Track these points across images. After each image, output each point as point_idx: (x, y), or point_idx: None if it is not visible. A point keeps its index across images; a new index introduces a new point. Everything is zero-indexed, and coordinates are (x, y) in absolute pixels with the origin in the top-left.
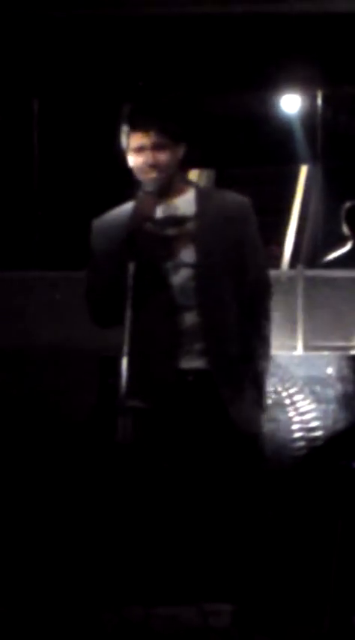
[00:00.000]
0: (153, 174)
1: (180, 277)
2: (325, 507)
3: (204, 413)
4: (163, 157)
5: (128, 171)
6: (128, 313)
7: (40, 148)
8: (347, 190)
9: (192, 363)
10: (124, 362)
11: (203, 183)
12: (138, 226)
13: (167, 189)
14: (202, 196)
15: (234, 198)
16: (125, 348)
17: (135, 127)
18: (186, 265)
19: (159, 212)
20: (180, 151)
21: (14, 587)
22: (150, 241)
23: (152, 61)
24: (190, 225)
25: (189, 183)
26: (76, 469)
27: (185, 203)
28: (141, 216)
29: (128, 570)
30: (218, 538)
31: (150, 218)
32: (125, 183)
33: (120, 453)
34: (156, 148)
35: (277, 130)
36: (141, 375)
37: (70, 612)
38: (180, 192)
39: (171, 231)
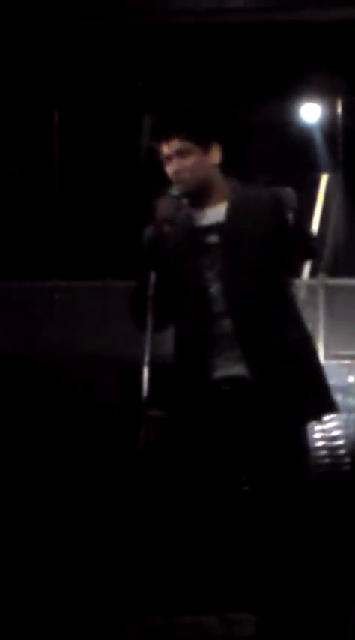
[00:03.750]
0: (180, 181)
1: (217, 286)
2: (348, 516)
3: (243, 420)
4: (189, 162)
5: (149, 181)
6: (148, 322)
7: (61, 159)
8: None
9: (227, 370)
10: (145, 371)
11: None
12: (159, 231)
13: (206, 195)
14: (235, 201)
15: (269, 192)
16: (146, 358)
17: (158, 139)
18: (221, 273)
19: (203, 220)
20: (212, 156)
21: (36, 596)
22: (195, 250)
23: (175, 70)
24: (224, 234)
25: (229, 189)
26: (99, 476)
27: (221, 211)
28: (160, 221)
29: (151, 579)
30: (242, 547)
31: (171, 222)
32: (146, 193)
33: (142, 461)
34: (180, 154)
35: (298, 138)
36: (177, 384)
37: (92, 621)
38: (222, 198)
39: (213, 239)
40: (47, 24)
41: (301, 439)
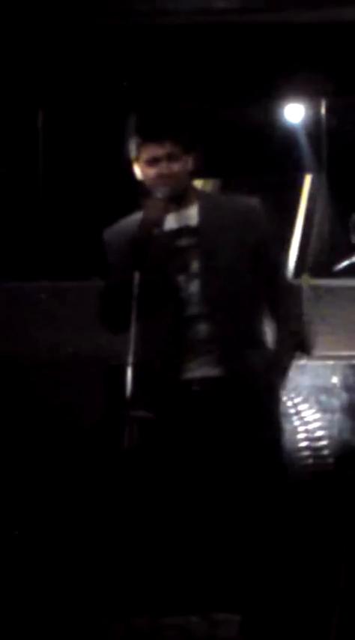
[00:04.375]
0: (167, 186)
1: (193, 287)
2: (332, 517)
3: (222, 421)
4: (177, 167)
5: (134, 181)
6: (133, 322)
7: (46, 159)
8: (352, 199)
9: (207, 371)
10: (129, 371)
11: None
12: (147, 233)
13: (179, 199)
14: (207, 204)
15: (241, 201)
16: (130, 358)
17: (149, 138)
18: (196, 276)
19: (173, 223)
20: (191, 161)
21: (20, 596)
22: (164, 253)
23: (157, 70)
24: (198, 236)
25: (197, 192)
26: (83, 477)
27: (194, 213)
28: (149, 223)
29: (135, 579)
30: (226, 548)
31: (158, 224)
32: (131, 193)
33: (126, 462)
34: (170, 158)
35: (281, 139)
36: (152, 385)
37: (76, 621)
38: (192, 202)
39: (184, 242)
40: (31, 24)
41: (276, 440)
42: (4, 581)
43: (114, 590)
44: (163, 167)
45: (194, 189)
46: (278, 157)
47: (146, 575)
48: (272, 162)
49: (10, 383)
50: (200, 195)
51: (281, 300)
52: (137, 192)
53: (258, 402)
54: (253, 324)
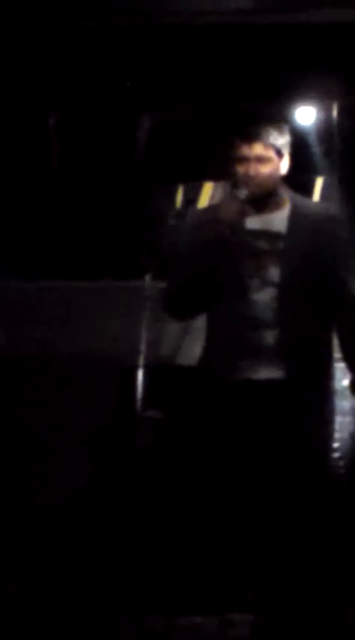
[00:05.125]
0: (253, 185)
1: (265, 294)
2: (345, 520)
3: (277, 425)
4: (265, 170)
5: (145, 181)
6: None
7: (58, 158)
8: None
9: (268, 374)
10: (141, 372)
11: (218, 193)
12: (219, 233)
13: (265, 202)
14: (297, 212)
15: (328, 213)
16: (142, 359)
17: (241, 138)
18: (271, 284)
19: (256, 225)
20: (282, 166)
21: (33, 594)
22: (240, 253)
23: (167, 71)
24: (281, 243)
25: (287, 196)
26: (96, 476)
27: (281, 219)
28: (221, 223)
29: (149, 579)
30: (240, 548)
31: (233, 227)
32: (142, 193)
33: (142, 462)
34: (259, 160)
35: (293, 141)
36: (210, 384)
37: (89, 620)
38: (278, 206)
39: (263, 246)
40: (44, 24)
41: (323, 451)
42: (16, 580)
43: (127, 589)
44: (251, 168)
45: (285, 194)
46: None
47: (160, 575)
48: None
49: (18, 384)
50: (291, 201)
51: (350, 314)
52: (147, 193)
53: (313, 411)
54: (320, 336)
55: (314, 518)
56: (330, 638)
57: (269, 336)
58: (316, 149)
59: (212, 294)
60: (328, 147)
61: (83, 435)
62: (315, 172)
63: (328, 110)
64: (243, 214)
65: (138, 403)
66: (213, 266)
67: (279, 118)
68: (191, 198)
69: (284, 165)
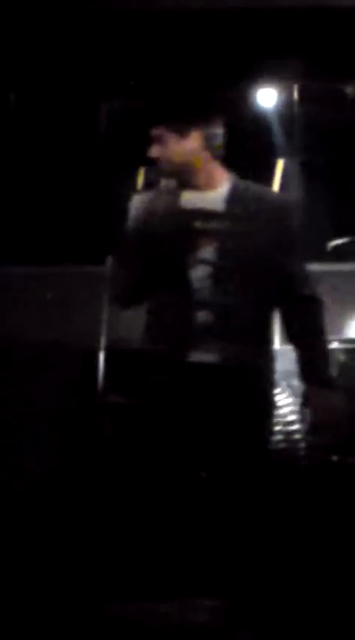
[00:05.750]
0: (160, 166)
1: (202, 272)
2: (306, 502)
3: (212, 407)
4: (166, 148)
5: (106, 164)
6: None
7: (18, 142)
8: (324, 184)
9: (202, 357)
10: (102, 356)
11: None
12: (159, 222)
13: (193, 180)
14: (235, 191)
15: (271, 194)
16: (103, 343)
17: (144, 122)
18: (206, 262)
19: (188, 204)
20: (192, 141)
21: (10, 584)
22: (174, 232)
23: (131, 55)
24: (217, 222)
25: (225, 175)
26: (67, 463)
27: (217, 197)
28: (158, 214)
29: (121, 566)
30: (212, 533)
31: (168, 216)
32: (108, 178)
33: (103, 447)
34: (160, 139)
35: (254, 124)
36: (155, 367)
37: (66, 608)
38: (214, 184)
39: (200, 225)
40: (7, 7)
41: (264, 431)
42: None
43: (102, 577)
44: (155, 149)
45: (222, 172)
46: (251, 142)
47: (132, 562)
48: (244, 147)
49: None
50: (228, 180)
51: (297, 313)
52: (112, 178)
53: (249, 396)
54: (259, 321)
55: (260, 500)
56: (302, 623)
57: (204, 316)
58: (277, 132)
59: (154, 278)
60: (289, 129)
61: (46, 419)
62: (276, 155)
63: (288, 93)
64: (176, 204)
65: (100, 388)
66: (153, 253)
67: (173, 95)
68: (151, 181)
69: (193, 140)
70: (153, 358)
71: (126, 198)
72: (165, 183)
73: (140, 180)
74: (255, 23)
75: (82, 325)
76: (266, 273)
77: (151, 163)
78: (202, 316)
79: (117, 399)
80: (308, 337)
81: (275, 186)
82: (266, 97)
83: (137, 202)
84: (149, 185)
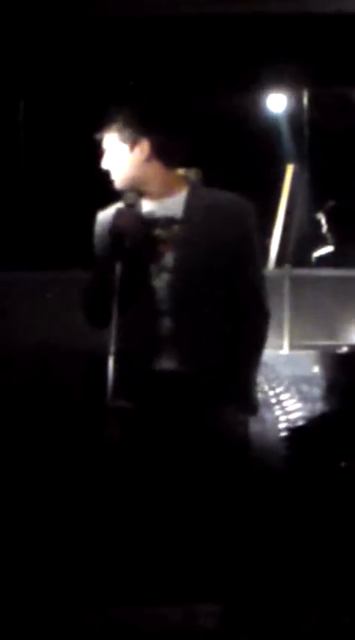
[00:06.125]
0: (114, 178)
1: (162, 281)
2: (313, 506)
3: (179, 416)
4: (116, 159)
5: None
6: (114, 313)
7: (28, 148)
8: (333, 190)
9: (168, 365)
10: (110, 362)
11: None
12: (120, 239)
13: (149, 189)
14: (194, 197)
15: (231, 200)
16: (111, 349)
17: (94, 133)
18: (166, 270)
19: (148, 212)
20: (141, 151)
21: (10, 587)
22: (137, 241)
23: (139, 61)
24: (177, 228)
25: (183, 182)
26: (63, 467)
27: (175, 204)
28: (120, 231)
29: (115, 570)
30: (205, 538)
31: (130, 232)
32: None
33: (107, 453)
34: (110, 149)
35: (264, 130)
36: (123, 377)
37: (54, 612)
38: (172, 192)
39: (157, 233)
40: (11, 14)
41: (232, 431)
42: None
43: (93, 581)
44: (106, 159)
45: (178, 179)
46: (260, 148)
47: (126, 566)
48: (253, 152)
49: None
50: (187, 186)
51: (249, 317)
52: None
53: (212, 400)
54: (217, 327)
55: (237, 506)
56: (294, 627)
57: (166, 324)
58: (286, 137)
59: (115, 293)
60: (298, 135)
61: (52, 425)
62: (286, 160)
63: (298, 99)
64: (137, 220)
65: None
66: (114, 267)
67: (120, 105)
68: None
69: (142, 150)
70: (126, 368)
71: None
72: (127, 195)
73: None
74: (265, 29)
75: (90, 329)
76: (224, 279)
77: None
78: (165, 324)
79: (122, 404)
80: (247, 350)
81: (286, 191)
82: (276, 103)
83: (101, 218)
84: None
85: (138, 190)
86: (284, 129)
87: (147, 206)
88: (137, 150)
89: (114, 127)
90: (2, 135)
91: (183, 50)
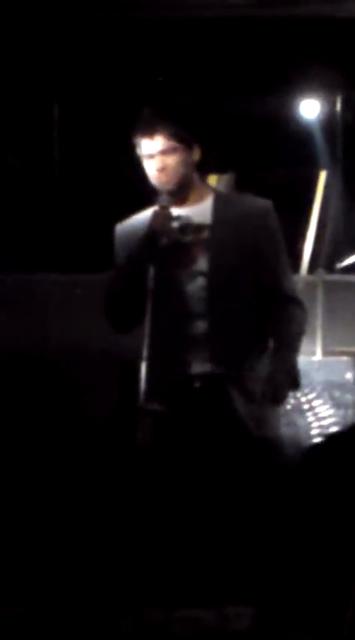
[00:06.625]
0: (163, 179)
1: (195, 285)
2: (346, 511)
3: (214, 417)
4: (171, 161)
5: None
6: (148, 317)
7: (60, 152)
8: None
9: (201, 368)
10: (143, 366)
11: (222, 187)
12: (155, 245)
13: (184, 195)
14: (220, 203)
15: (254, 202)
16: (144, 352)
17: (142, 134)
18: (200, 274)
19: (177, 218)
20: (193, 155)
21: (35, 591)
22: (169, 248)
23: (172, 64)
24: (207, 233)
25: (209, 189)
26: (96, 471)
27: (203, 210)
28: (155, 233)
29: (148, 572)
30: (237, 540)
31: (165, 233)
32: (144, 186)
33: (140, 455)
34: (163, 152)
35: (297, 134)
36: (156, 380)
37: (89, 615)
38: (199, 198)
39: (187, 239)
40: (47, 16)
41: (268, 439)
42: (15, 576)
43: (126, 583)
44: (158, 162)
45: (206, 186)
46: (294, 152)
47: (159, 568)
48: (287, 157)
49: (16, 378)
50: (213, 193)
51: (282, 315)
52: (150, 186)
53: (249, 402)
54: (251, 328)
55: (269, 509)
56: (330, 630)
57: (200, 327)
58: (320, 142)
59: (144, 295)
60: (331, 140)
61: (84, 428)
62: (319, 166)
63: (331, 103)
64: (172, 221)
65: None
66: (144, 270)
67: (179, 107)
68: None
69: (195, 154)
70: (157, 373)
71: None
72: (162, 196)
73: None
74: (298, 32)
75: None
76: (256, 278)
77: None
78: (200, 327)
79: (155, 407)
80: (292, 339)
81: (319, 196)
82: (310, 107)
83: (125, 225)
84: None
85: (175, 195)
86: (318, 134)
87: (177, 212)
88: (193, 152)
89: (174, 128)
90: (36, 137)
91: (217, 53)
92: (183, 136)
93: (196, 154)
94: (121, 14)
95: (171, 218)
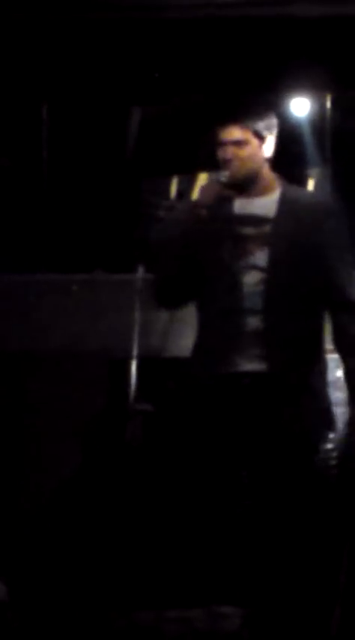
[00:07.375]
0: (230, 170)
1: (250, 279)
2: (335, 512)
3: (259, 416)
4: (242, 153)
5: (137, 174)
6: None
7: (50, 151)
8: None
9: (250, 366)
10: (134, 365)
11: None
12: (195, 215)
13: (250, 186)
14: (286, 198)
15: (319, 201)
16: (135, 351)
17: (220, 122)
18: (257, 268)
19: (239, 209)
20: (265, 149)
21: (24, 590)
22: (225, 237)
23: (162, 64)
24: (268, 228)
25: (279, 183)
26: (85, 471)
27: (268, 204)
28: (198, 205)
29: (138, 573)
30: (229, 542)
31: (207, 207)
32: (134, 186)
33: (132, 455)
34: (237, 144)
35: (286, 134)
36: (200, 373)
37: (78, 615)
38: (266, 191)
39: (247, 231)
40: (35, 16)
41: (311, 443)
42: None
43: (116, 584)
44: (229, 152)
45: (275, 179)
46: (282, 152)
47: (148, 569)
48: (276, 157)
49: (9, 378)
50: (280, 187)
51: (349, 320)
52: (139, 186)
53: (296, 402)
54: (305, 327)
55: (303, 512)
56: (320, 631)
57: (253, 323)
58: (309, 142)
59: (197, 281)
60: (320, 140)
61: (75, 428)
62: (310, 164)
63: (321, 103)
64: (226, 199)
65: (130, 396)
66: (193, 251)
67: (259, 102)
68: (182, 191)
69: (267, 149)
70: (203, 366)
71: (157, 207)
72: (222, 173)
73: (172, 189)
74: (287, 32)
75: (114, 333)
76: (316, 279)
77: (214, 168)
78: (252, 323)
79: (147, 408)
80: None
81: None
82: (299, 107)
83: (183, 207)
84: (181, 194)
85: (243, 186)
86: (307, 134)
87: (241, 203)
88: (266, 145)
89: (250, 119)
90: (25, 138)
91: (205, 53)
92: (258, 129)
93: (269, 150)
94: (109, 14)
95: (219, 194)
